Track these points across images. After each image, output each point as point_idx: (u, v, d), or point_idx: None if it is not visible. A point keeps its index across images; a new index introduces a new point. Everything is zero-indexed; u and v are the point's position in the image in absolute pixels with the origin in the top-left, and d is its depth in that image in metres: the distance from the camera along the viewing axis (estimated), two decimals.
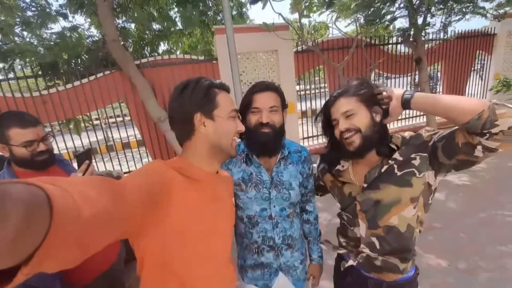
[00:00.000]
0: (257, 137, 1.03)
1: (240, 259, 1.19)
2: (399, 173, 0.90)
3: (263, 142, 1.02)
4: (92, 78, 3.90)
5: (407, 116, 6.43)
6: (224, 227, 0.84)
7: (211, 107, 0.78)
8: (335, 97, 0.97)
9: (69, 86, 3.79)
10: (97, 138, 4.43)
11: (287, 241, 1.11)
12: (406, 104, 0.87)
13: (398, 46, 5.98)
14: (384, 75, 6.47)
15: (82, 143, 4.41)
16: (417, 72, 5.43)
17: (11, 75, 3.88)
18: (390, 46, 5.89)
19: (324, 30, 13.67)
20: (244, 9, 5.89)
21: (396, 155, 0.91)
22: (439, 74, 6.98)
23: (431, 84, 10.03)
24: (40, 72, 3.91)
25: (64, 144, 3.97)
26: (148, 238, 0.64)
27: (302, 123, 5.66)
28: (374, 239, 0.97)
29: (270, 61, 4.79)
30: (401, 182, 0.89)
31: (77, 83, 3.84)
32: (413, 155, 0.89)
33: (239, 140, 1.18)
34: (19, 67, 3.89)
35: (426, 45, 5.91)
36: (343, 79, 4.64)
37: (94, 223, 0.39)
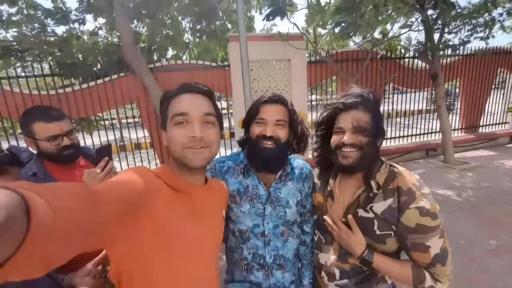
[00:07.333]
0: (258, 150, 0.96)
1: (228, 274, 1.13)
2: (378, 232, 0.89)
3: (265, 157, 0.96)
4: (107, 79, 4.01)
5: (420, 132, 6.24)
6: (206, 245, 0.78)
7: (165, 120, 0.75)
8: (353, 105, 0.87)
9: (84, 86, 3.91)
10: (114, 137, 4.60)
11: (279, 261, 1.05)
12: (365, 264, 0.90)
13: (415, 60, 5.85)
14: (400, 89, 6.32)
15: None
16: (433, 88, 5.30)
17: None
18: (406, 60, 5.77)
19: (341, 41, 13.54)
20: (251, 23, 6.03)
21: (377, 207, 0.88)
22: (457, 90, 6.76)
23: (449, 100, 9.74)
24: (58, 71, 4.05)
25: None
26: (121, 249, 0.60)
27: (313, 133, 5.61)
28: (336, 270, 0.98)
29: (282, 70, 4.79)
30: (378, 240, 0.90)
31: (92, 83, 3.95)
32: (392, 226, 0.87)
33: (240, 150, 1.13)
34: (37, 65, 4.04)
35: (444, 61, 5.75)
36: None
37: (67, 232, 0.37)
